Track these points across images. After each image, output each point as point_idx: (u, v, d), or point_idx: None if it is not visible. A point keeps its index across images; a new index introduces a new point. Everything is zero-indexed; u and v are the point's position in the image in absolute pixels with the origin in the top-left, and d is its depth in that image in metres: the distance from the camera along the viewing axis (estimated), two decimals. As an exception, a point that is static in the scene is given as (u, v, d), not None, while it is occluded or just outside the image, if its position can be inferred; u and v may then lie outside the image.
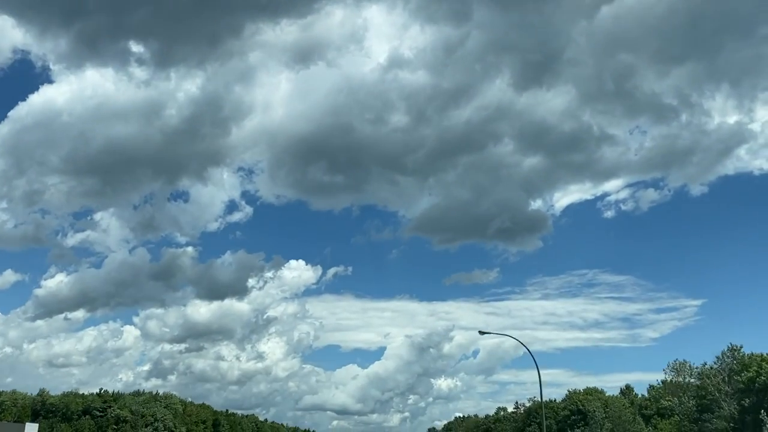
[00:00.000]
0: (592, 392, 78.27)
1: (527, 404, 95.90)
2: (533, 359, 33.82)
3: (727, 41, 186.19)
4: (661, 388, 78.45)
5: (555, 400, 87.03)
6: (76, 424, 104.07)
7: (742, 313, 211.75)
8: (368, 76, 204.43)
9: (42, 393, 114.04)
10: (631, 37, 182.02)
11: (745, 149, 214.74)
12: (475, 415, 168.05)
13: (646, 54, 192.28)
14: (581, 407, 75.06)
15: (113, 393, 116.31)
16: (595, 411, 70.61)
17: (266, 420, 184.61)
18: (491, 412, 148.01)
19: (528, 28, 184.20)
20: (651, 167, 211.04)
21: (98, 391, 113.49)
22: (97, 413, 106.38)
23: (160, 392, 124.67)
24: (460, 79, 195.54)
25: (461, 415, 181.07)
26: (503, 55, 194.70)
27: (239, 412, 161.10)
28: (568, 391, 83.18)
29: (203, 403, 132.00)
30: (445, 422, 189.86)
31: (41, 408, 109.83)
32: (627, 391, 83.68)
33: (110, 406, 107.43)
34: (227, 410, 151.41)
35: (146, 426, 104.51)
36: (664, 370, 77.43)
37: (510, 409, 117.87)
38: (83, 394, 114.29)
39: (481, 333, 35.44)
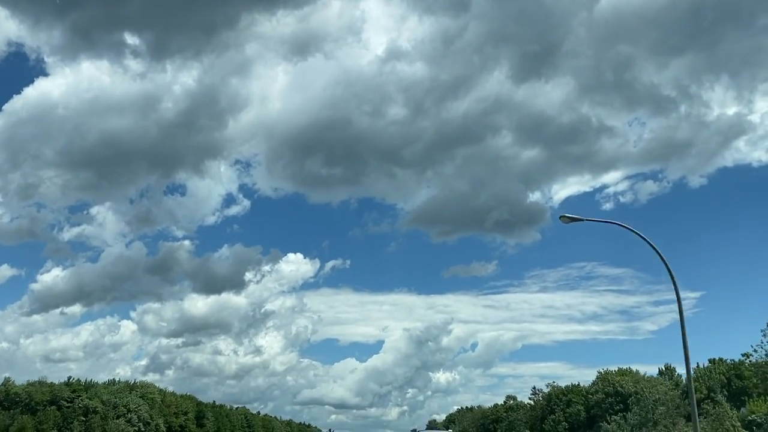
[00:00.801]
0: (625, 373, 67.26)
1: (545, 390, 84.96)
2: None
3: (727, 32, 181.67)
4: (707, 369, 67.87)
5: (579, 384, 76.14)
6: (40, 416, 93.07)
7: (741, 305, 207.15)
8: (366, 68, 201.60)
9: (6, 382, 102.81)
10: (630, 28, 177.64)
11: (744, 141, 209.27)
12: (479, 406, 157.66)
13: (645, 45, 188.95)
14: (619, 389, 63.88)
15: (85, 382, 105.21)
16: (642, 391, 59.58)
17: (258, 413, 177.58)
18: (490, 405, 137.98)
19: (527, 19, 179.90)
20: (650, 159, 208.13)
21: (66, 379, 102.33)
22: (65, 403, 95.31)
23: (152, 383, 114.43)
24: (459, 70, 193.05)
25: (466, 406, 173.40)
26: (502, 46, 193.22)
27: (236, 405, 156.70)
28: (600, 371, 72.33)
29: (187, 394, 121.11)
30: (446, 415, 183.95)
31: (5, 398, 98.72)
32: (668, 371, 72.83)
33: (79, 396, 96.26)
34: (214, 402, 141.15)
35: (118, 417, 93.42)
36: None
37: (523, 399, 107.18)
38: (51, 383, 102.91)
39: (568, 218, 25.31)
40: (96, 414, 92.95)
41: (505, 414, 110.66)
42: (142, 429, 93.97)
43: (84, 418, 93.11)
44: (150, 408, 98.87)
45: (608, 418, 61.40)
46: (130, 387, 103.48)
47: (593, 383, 72.18)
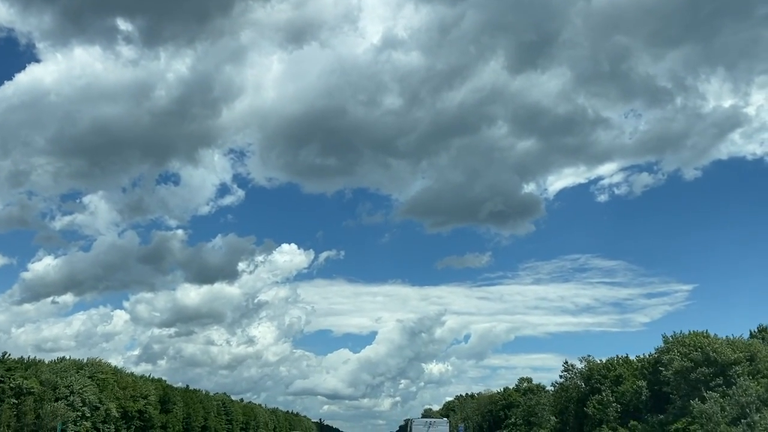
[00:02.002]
0: (704, 336, 51.06)
1: (579, 366, 69.02)
2: None
3: (725, 23, 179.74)
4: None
5: (645, 355, 59.79)
6: (-35, 399, 76.74)
7: (733, 298, 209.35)
8: (361, 57, 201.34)
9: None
10: (627, 19, 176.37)
11: (740, 133, 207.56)
12: (479, 393, 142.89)
13: (642, 36, 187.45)
14: (717, 357, 47.24)
15: (28, 359, 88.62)
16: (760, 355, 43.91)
17: (242, 400, 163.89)
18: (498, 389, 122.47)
19: (524, 9, 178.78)
20: (645, 151, 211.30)
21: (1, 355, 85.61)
22: (-4, 384, 78.95)
23: (130, 369, 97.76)
24: (455, 60, 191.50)
25: (466, 393, 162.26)
26: (498, 36, 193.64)
27: (233, 396, 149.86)
28: (667, 336, 55.71)
29: (150, 376, 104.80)
30: (441, 405, 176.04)
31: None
32: (762, 332, 56.65)
33: (12, 375, 79.64)
34: (187, 386, 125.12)
35: (57, 400, 76.96)
36: None
37: (546, 384, 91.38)
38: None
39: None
40: (31, 395, 76.33)
41: (520, 398, 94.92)
42: (87, 414, 77.52)
43: (16, 400, 76.53)
44: (100, 390, 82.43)
45: (695, 395, 45.88)
46: (78, 365, 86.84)
47: (660, 351, 56.03)
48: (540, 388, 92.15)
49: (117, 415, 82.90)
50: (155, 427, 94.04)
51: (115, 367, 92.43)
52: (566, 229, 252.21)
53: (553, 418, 76.63)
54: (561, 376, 71.08)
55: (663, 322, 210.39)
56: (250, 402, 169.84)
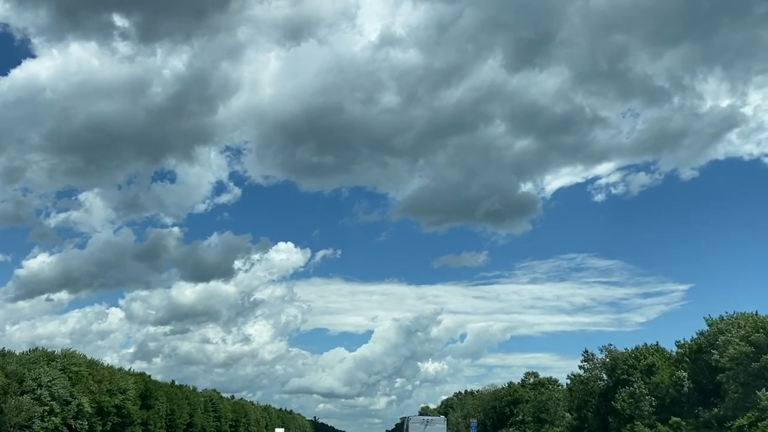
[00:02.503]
0: (747, 318, 43.99)
1: (601, 356, 62.06)
2: None
3: (722, 23, 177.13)
4: None
5: (684, 340, 52.59)
6: None
7: (729, 298, 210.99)
8: (359, 54, 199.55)
9: None
10: (625, 18, 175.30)
11: (737, 133, 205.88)
12: (478, 391, 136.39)
13: (640, 35, 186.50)
14: None
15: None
16: None
17: (233, 396, 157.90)
18: (503, 384, 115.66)
19: (522, 7, 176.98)
20: (642, 150, 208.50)
21: (-36, 346, 78.50)
22: (-43, 376, 71.75)
23: (115, 364, 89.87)
24: (453, 58, 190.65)
25: (466, 390, 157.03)
26: (496, 34, 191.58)
27: (226, 394, 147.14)
28: (720, 317, 48.35)
29: (131, 370, 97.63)
30: (438, 403, 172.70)
31: None
32: None
33: (-25, 367, 72.54)
34: (173, 381, 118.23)
35: (23, 393, 69.80)
36: None
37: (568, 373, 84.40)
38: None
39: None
40: (-7, 389, 69.21)
41: (529, 394, 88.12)
42: (56, 409, 70.36)
43: (-24, 395, 69.45)
44: (72, 384, 75.24)
45: (758, 385, 39.15)
46: (50, 357, 79.64)
47: (705, 335, 48.87)
48: (552, 381, 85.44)
49: (90, 411, 75.73)
50: (135, 423, 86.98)
51: (91, 359, 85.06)
52: (563, 229, 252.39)
53: (569, 414, 69.82)
54: (581, 367, 64.38)
55: (659, 322, 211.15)
56: (241, 399, 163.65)
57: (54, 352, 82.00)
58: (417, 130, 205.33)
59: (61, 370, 76.53)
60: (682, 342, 52.98)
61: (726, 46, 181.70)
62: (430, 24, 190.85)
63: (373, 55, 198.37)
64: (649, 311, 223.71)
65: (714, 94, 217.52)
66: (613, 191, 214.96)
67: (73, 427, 73.52)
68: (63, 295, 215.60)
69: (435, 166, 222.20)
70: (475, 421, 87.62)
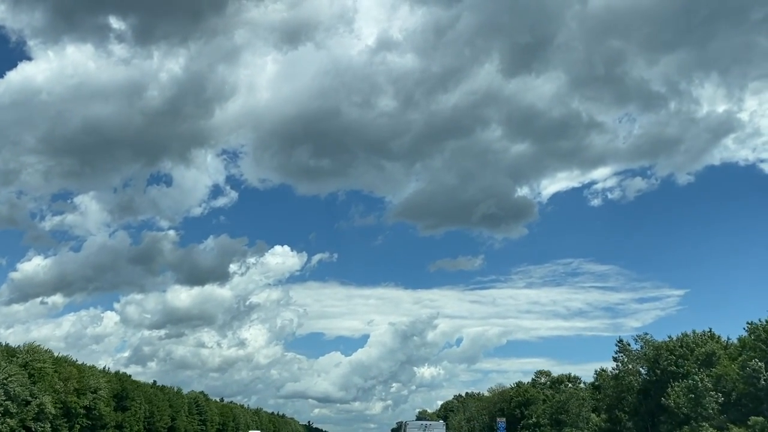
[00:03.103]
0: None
1: (635, 347, 53.89)
2: None
3: (719, 28, 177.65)
4: None
5: (755, 323, 44.40)
6: None
7: (725, 303, 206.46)
8: (356, 58, 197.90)
9: None
10: (622, 23, 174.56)
11: (733, 138, 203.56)
12: (478, 393, 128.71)
13: (637, 40, 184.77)
14: None
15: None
16: None
17: (223, 399, 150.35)
18: (511, 384, 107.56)
19: (519, 11, 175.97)
20: (639, 155, 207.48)
21: None
22: None
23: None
24: (449, 62, 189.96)
25: (467, 392, 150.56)
26: (493, 38, 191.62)
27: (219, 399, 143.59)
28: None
29: (105, 369, 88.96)
30: (437, 407, 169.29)
31: None
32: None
33: None
34: (154, 381, 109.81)
35: (-24, 392, 61.19)
36: None
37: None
38: None
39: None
40: (-60, 387, 60.66)
41: (545, 393, 79.79)
42: (12, 410, 61.64)
43: None
44: (33, 382, 66.57)
45: None
46: (11, 352, 71.00)
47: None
48: (572, 379, 77.14)
49: (54, 412, 67.03)
50: (108, 426, 78.37)
51: (58, 355, 76.48)
52: (559, 233, 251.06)
53: (595, 416, 61.54)
54: (615, 358, 56.14)
55: (654, 327, 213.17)
56: (231, 402, 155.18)
57: (17, 347, 73.39)
58: (413, 133, 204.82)
59: (22, 366, 68.01)
60: (757, 324, 44.58)
61: (722, 51, 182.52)
62: (427, 28, 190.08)
63: (370, 59, 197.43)
64: (644, 316, 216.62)
65: (710, 100, 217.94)
66: (610, 196, 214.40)
67: (33, 429, 64.89)
68: (58, 299, 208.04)
69: (431, 170, 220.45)
70: (503, 420, 78.73)
